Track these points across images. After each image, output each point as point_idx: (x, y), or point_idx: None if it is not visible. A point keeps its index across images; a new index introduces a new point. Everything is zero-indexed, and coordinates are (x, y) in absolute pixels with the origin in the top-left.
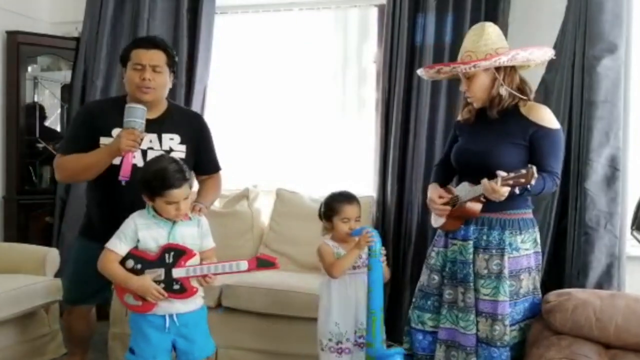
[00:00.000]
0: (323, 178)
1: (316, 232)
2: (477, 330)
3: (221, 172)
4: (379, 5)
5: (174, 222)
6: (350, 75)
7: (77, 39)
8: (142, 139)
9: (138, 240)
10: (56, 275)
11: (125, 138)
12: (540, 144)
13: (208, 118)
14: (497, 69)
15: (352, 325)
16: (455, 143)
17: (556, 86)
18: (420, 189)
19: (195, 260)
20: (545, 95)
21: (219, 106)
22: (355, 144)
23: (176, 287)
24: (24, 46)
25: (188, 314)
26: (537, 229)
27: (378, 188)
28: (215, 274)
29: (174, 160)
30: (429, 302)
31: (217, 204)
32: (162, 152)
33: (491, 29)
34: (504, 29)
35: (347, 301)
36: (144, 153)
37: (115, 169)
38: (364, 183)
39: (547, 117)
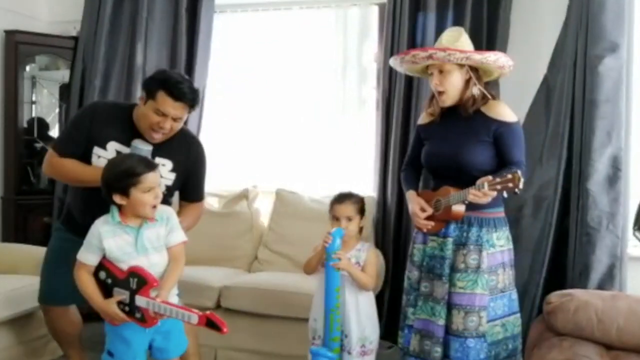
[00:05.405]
0: (323, 178)
1: (316, 232)
2: (451, 322)
3: (203, 202)
4: (380, 4)
5: (140, 227)
6: (351, 74)
7: (76, 38)
8: None
9: (104, 249)
10: None
11: None
12: (503, 138)
13: (207, 118)
14: (470, 69)
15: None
16: (421, 146)
17: (558, 85)
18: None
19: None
20: (546, 94)
21: (218, 106)
22: (355, 144)
23: (138, 315)
24: (22, 45)
25: None
26: (508, 227)
27: (378, 188)
28: (166, 316)
29: (130, 154)
30: (411, 297)
31: (216, 205)
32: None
33: (466, 36)
34: (506, 28)
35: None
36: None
37: None
38: (364, 183)
39: (505, 112)
